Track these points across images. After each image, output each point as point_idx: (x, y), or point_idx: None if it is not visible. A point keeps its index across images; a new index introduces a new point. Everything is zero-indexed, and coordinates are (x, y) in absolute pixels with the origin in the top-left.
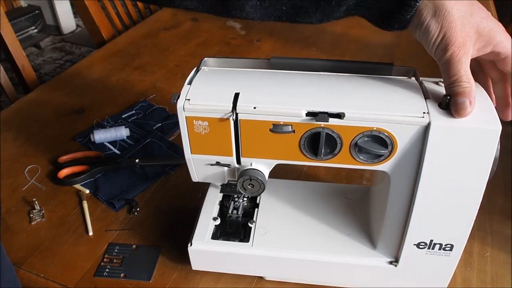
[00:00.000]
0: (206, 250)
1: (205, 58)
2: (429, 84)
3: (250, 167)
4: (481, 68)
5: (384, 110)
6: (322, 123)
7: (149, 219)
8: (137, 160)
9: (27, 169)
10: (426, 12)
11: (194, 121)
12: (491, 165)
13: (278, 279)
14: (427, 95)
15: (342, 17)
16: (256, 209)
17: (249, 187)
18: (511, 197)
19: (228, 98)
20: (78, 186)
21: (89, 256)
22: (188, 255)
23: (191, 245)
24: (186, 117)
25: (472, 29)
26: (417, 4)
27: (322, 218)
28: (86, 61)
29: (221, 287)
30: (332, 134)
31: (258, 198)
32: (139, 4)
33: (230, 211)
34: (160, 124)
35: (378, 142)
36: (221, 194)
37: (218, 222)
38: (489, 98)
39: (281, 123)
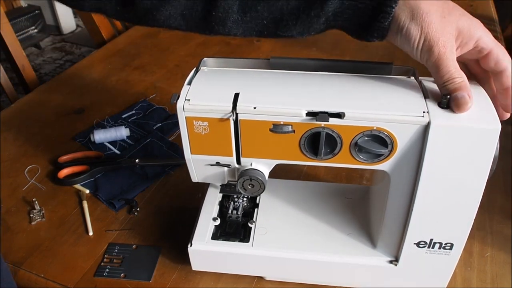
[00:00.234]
0: (206, 251)
1: (205, 58)
2: (429, 83)
3: (250, 167)
4: (467, 70)
5: (384, 110)
6: (322, 123)
7: (149, 219)
8: (137, 160)
9: (27, 169)
10: (404, 16)
11: (194, 121)
12: (491, 164)
13: (278, 279)
14: (426, 94)
15: (323, 30)
16: (256, 209)
17: (249, 187)
18: (511, 196)
19: (228, 98)
20: (78, 186)
21: (89, 256)
22: (188, 255)
23: (191, 245)
24: (186, 117)
25: (452, 27)
26: (393, 10)
27: (322, 218)
28: (86, 61)
29: (221, 287)
30: (332, 134)
31: (258, 198)
32: None
33: (230, 211)
34: (160, 124)
35: (378, 142)
36: (221, 194)
37: (218, 222)
38: (488, 97)
39: (281, 123)
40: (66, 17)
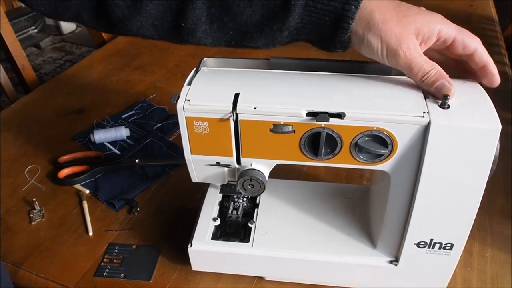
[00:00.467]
0: (206, 251)
1: (205, 59)
2: None
3: (250, 168)
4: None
5: (384, 110)
6: (322, 123)
7: (149, 219)
8: (137, 160)
9: (27, 169)
10: (361, 29)
11: (194, 121)
12: (491, 164)
13: (278, 279)
14: (427, 94)
15: (288, 43)
16: (256, 209)
17: (249, 188)
18: (511, 197)
19: (228, 98)
20: (78, 186)
21: (89, 256)
22: (188, 255)
23: (191, 245)
24: (186, 117)
25: (410, 27)
26: (351, 26)
27: (322, 218)
28: (86, 61)
29: (221, 287)
30: (332, 134)
31: (258, 198)
32: None
33: (230, 212)
34: (160, 124)
35: (378, 142)
36: (221, 195)
37: (218, 222)
38: (488, 97)
39: (281, 123)
40: None
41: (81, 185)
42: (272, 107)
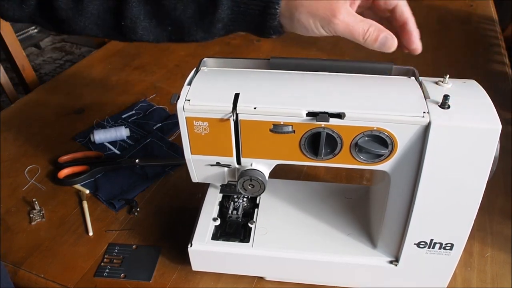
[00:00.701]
0: (206, 251)
1: (205, 59)
2: (429, 84)
3: (250, 168)
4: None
5: (384, 110)
6: (323, 123)
7: (149, 219)
8: (137, 160)
9: (27, 169)
10: (289, 11)
11: (194, 121)
12: (491, 164)
13: (278, 279)
14: (427, 94)
15: (224, 35)
16: (256, 209)
17: (249, 188)
18: (511, 197)
19: (228, 98)
20: (78, 186)
21: (89, 256)
22: (188, 255)
23: (191, 245)
24: (186, 117)
25: None
26: (278, 11)
27: (322, 218)
28: (86, 61)
29: (221, 287)
30: (333, 134)
31: (258, 198)
32: None
33: (230, 212)
34: (160, 124)
35: (378, 142)
36: (221, 195)
37: (218, 222)
38: (488, 97)
39: (281, 123)
40: None
41: (81, 185)
42: (272, 107)
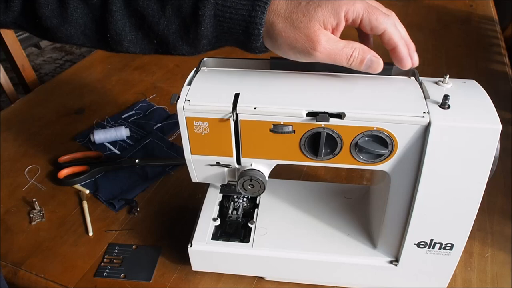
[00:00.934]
0: (206, 251)
1: (205, 59)
2: (429, 84)
3: (250, 168)
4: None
5: (384, 110)
6: (323, 123)
7: (149, 219)
8: (137, 160)
9: (27, 169)
10: (269, 38)
11: (194, 121)
12: (491, 164)
13: (278, 279)
14: (427, 94)
15: (210, 50)
16: (256, 210)
17: (249, 188)
18: (511, 197)
19: (228, 98)
20: (78, 186)
21: (89, 257)
22: (188, 255)
23: (191, 245)
24: (186, 117)
25: (314, 24)
26: (261, 32)
27: (322, 218)
28: (86, 61)
29: (221, 287)
30: (333, 134)
31: (258, 198)
32: None
33: (230, 212)
34: (160, 124)
35: (378, 142)
36: (221, 195)
37: (218, 222)
38: (488, 97)
39: (281, 123)
40: None
41: (81, 185)
42: (272, 107)
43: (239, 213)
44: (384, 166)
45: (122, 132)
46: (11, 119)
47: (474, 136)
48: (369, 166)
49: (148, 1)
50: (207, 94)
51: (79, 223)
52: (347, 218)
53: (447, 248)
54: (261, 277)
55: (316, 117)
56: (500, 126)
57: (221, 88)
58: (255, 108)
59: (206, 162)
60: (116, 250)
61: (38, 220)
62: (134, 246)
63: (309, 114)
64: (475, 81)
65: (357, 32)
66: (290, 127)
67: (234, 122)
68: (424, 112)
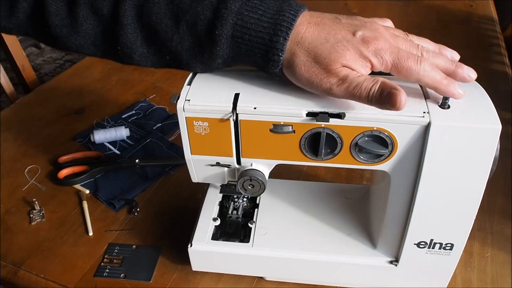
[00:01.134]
0: (206, 251)
1: None
2: None
3: (250, 168)
4: None
5: (384, 110)
6: (323, 123)
7: (149, 219)
8: (137, 160)
9: (27, 169)
10: (288, 69)
11: (194, 121)
12: (491, 164)
13: (278, 279)
14: (427, 95)
15: (225, 67)
16: (256, 210)
17: (249, 188)
18: (511, 197)
19: (228, 98)
20: (78, 186)
21: (89, 257)
22: (188, 255)
23: (191, 245)
24: (186, 117)
25: (336, 65)
26: (281, 58)
27: (322, 218)
28: (86, 61)
29: (221, 287)
30: (333, 134)
31: (258, 198)
32: None
33: (230, 212)
34: (160, 124)
35: (378, 142)
36: (221, 195)
37: (218, 222)
38: (488, 97)
39: (281, 123)
40: None
41: (81, 185)
42: (272, 107)
43: (239, 213)
44: (384, 166)
45: (122, 132)
46: (11, 119)
47: (474, 136)
48: (369, 166)
49: (161, 16)
50: (207, 94)
51: (79, 223)
52: (347, 218)
53: (447, 248)
54: (261, 277)
55: (316, 117)
56: (500, 126)
57: (221, 88)
58: (255, 108)
59: (206, 162)
60: (116, 250)
61: (38, 220)
62: (134, 246)
63: (309, 114)
64: (475, 81)
65: None
66: (290, 127)
67: (234, 122)
68: (424, 112)
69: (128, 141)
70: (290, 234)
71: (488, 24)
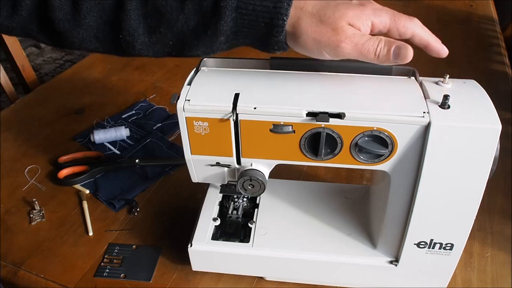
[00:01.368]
0: (206, 251)
1: (205, 59)
2: (429, 84)
3: (250, 168)
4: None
5: (384, 110)
6: (323, 123)
7: (149, 219)
8: (137, 160)
9: (27, 169)
10: (294, 32)
11: (194, 121)
12: (491, 164)
13: (278, 279)
14: (427, 94)
15: (228, 48)
16: (256, 209)
17: (249, 188)
18: (511, 197)
19: (228, 98)
20: (78, 186)
21: (89, 257)
22: (188, 255)
23: (191, 245)
24: (186, 117)
25: (342, 21)
26: (285, 23)
27: (322, 218)
28: (86, 61)
29: (221, 287)
30: (333, 134)
31: (258, 198)
32: None
33: (230, 212)
34: (160, 124)
35: (378, 142)
36: (221, 195)
37: (218, 222)
38: (488, 97)
39: (281, 123)
40: None
41: (81, 185)
42: (272, 107)
43: (239, 213)
44: (384, 166)
45: (122, 132)
46: (11, 119)
47: (474, 136)
48: (369, 166)
49: None
50: (207, 94)
51: (79, 223)
52: (347, 218)
53: (447, 248)
54: (261, 277)
55: (316, 117)
56: (500, 126)
57: (221, 88)
58: (255, 108)
59: (206, 162)
60: (116, 250)
61: (38, 220)
62: (134, 246)
63: (309, 114)
64: (475, 81)
65: None
66: (290, 127)
67: (234, 122)
68: (424, 112)
69: (128, 141)
70: (290, 234)
71: (488, 24)
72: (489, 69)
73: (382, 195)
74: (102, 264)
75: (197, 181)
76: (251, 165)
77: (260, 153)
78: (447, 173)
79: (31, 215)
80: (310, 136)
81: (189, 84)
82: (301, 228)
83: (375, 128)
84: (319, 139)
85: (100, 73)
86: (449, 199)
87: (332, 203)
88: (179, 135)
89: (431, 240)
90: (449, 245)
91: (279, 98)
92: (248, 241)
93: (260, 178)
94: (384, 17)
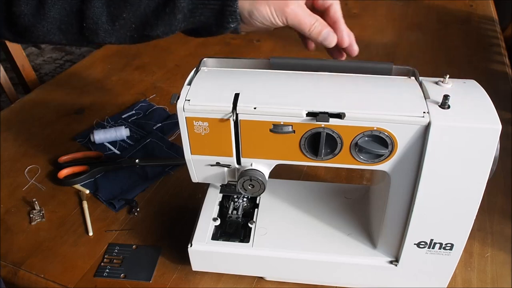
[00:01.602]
0: (206, 251)
1: (205, 59)
2: (429, 84)
3: (250, 168)
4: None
5: (384, 110)
6: (323, 123)
7: (149, 219)
8: (137, 160)
9: (27, 169)
10: (248, 2)
11: (194, 121)
12: (491, 164)
13: (278, 279)
14: (427, 94)
15: (185, 27)
16: (256, 209)
17: (249, 188)
18: (511, 197)
19: (228, 98)
20: (78, 186)
21: (89, 257)
22: (188, 255)
23: (191, 245)
24: (186, 117)
25: None
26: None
27: (322, 218)
28: (86, 61)
29: (221, 287)
30: (333, 134)
31: (258, 198)
32: None
33: (230, 212)
34: (160, 124)
35: (378, 142)
36: (221, 195)
37: (218, 222)
38: (488, 97)
39: (281, 123)
40: None
41: (81, 185)
42: (272, 107)
43: (239, 213)
44: (384, 166)
45: (122, 132)
46: (11, 119)
47: (474, 136)
48: (369, 166)
49: None
50: (207, 94)
51: (79, 223)
52: (347, 218)
53: (447, 248)
54: (261, 277)
55: (316, 117)
56: (500, 126)
57: (221, 88)
58: (255, 108)
59: (206, 162)
60: (116, 250)
61: (38, 220)
62: (134, 246)
63: (309, 114)
64: (475, 81)
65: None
66: (290, 127)
67: (234, 122)
68: (424, 112)
69: (128, 141)
70: (290, 234)
71: (488, 24)
72: (489, 69)
73: (382, 195)
74: (102, 264)
75: (197, 181)
76: (251, 165)
77: (260, 153)
78: (447, 173)
79: (31, 215)
80: (310, 136)
81: (189, 84)
82: (301, 228)
83: (375, 128)
84: (319, 139)
85: (100, 73)
86: (449, 199)
87: (332, 203)
88: (179, 135)
89: (431, 240)
90: (449, 245)
91: (279, 98)
92: (248, 241)
93: (260, 178)
94: None
